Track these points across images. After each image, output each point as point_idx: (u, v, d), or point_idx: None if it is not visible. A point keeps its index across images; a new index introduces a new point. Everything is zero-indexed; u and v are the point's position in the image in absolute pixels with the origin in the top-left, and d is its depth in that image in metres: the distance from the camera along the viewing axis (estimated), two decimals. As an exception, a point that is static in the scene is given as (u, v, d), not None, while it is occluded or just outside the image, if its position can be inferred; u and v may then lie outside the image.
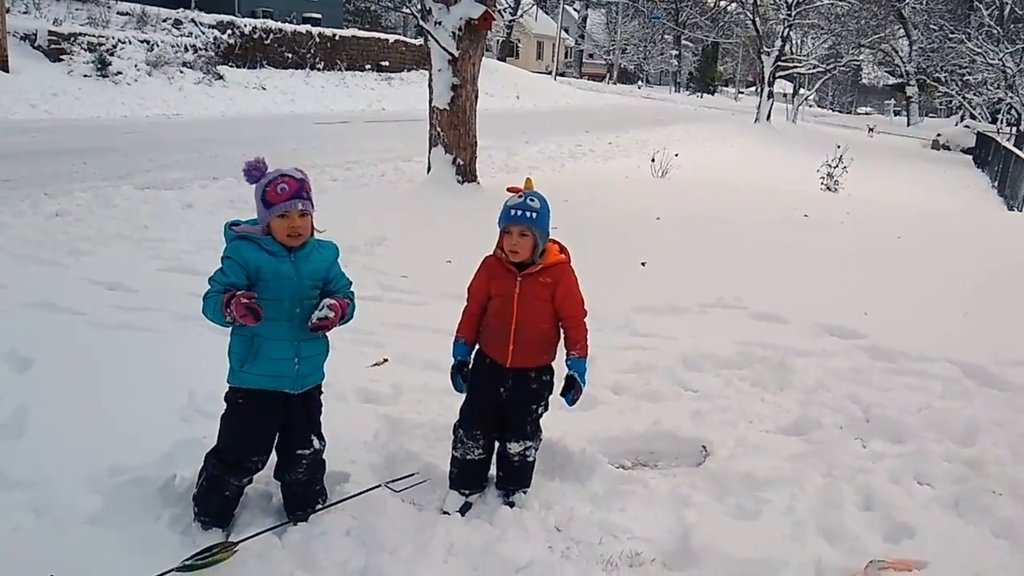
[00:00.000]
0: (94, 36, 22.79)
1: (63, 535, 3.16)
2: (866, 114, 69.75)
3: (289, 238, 3.10)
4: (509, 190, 3.45)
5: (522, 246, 3.38)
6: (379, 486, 3.57)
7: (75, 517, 3.26)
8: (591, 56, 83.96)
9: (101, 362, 4.77)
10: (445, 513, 3.51)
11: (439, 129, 11.10)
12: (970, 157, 34.04)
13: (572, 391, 3.48)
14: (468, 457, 3.59)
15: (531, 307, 3.41)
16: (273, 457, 3.36)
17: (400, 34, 40.62)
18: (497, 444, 3.64)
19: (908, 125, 53.77)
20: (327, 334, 3.27)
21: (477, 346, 3.59)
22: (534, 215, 3.36)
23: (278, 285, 3.08)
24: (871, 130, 42.90)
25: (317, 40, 31.22)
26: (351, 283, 3.36)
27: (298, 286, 3.12)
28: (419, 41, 32.36)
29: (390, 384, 4.72)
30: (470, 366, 3.58)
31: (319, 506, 3.43)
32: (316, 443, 3.36)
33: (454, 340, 3.58)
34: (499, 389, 3.51)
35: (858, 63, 50.75)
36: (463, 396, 3.64)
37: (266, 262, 3.08)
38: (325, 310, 3.08)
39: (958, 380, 5.25)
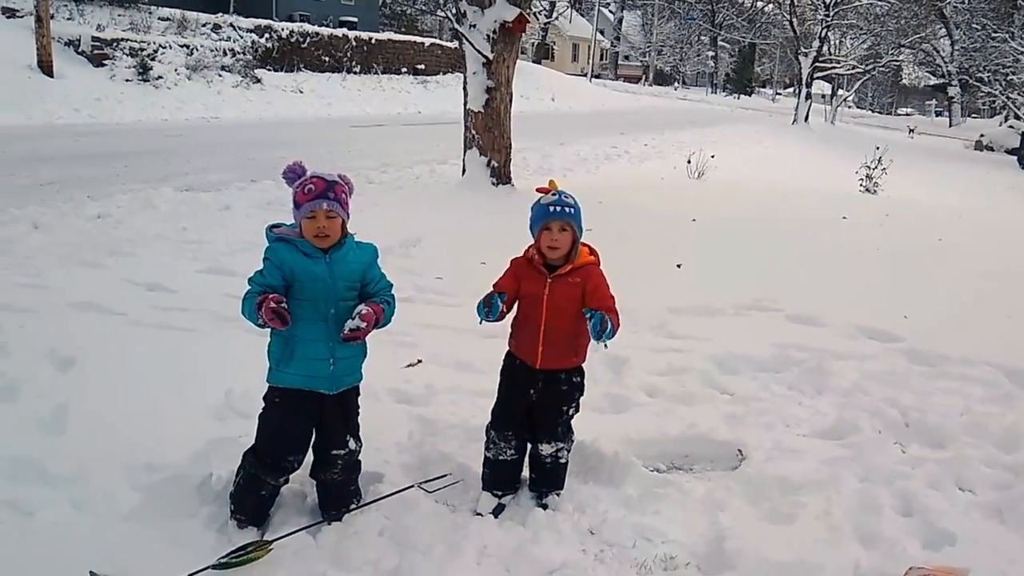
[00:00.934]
0: (135, 41, 23.17)
1: (101, 530, 3.21)
2: (907, 115, 68.73)
3: (316, 239, 3.12)
4: (539, 191, 3.44)
5: (563, 241, 3.37)
6: (412, 487, 3.59)
7: (113, 513, 3.32)
8: (627, 58, 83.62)
9: (140, 361, 4.85)
10: (478, 514, 3.51)
11: (474, 132, 11.13)
12: (1014, 158, 33.35)
13: (596, 317, 3.25)
14: (500, 458, 3.59)
15: (561, 308, 3.39)
16: (309, 456, 3.38)
17: (436, 37, 40.77)
18: (529, 446, 3.63)
19: (950, 126, 52.88)
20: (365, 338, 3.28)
21: (507, 348, 3.58)
22: (572, 210, 3.36)
23: (312, 287, 3.10)
24: (912, 131, 42.28)
25: (353, 44, 31.45)
26: (391, 285, 3.35)
27: (332, 288, 3.13)
28: (454, 44, 32.47)
29: (423, 385, 4.74)
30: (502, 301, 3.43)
31: (353, 506, 3.44)
32: (352, 444, 3.38)
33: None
34: (529, 391, 3.50)
35: (898, 63, 50.02)
36: (494, 397, 3.64)
37: (300, 263, 3.10)
38: (357, 320, 3.09)
39: (1000, 384, 5.15)
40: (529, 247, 3.50)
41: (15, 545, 3.10)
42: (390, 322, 3.30)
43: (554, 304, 3.39)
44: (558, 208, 3.33)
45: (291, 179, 3.18)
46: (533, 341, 3.42)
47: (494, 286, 3.47)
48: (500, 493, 3.63)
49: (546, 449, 3.57)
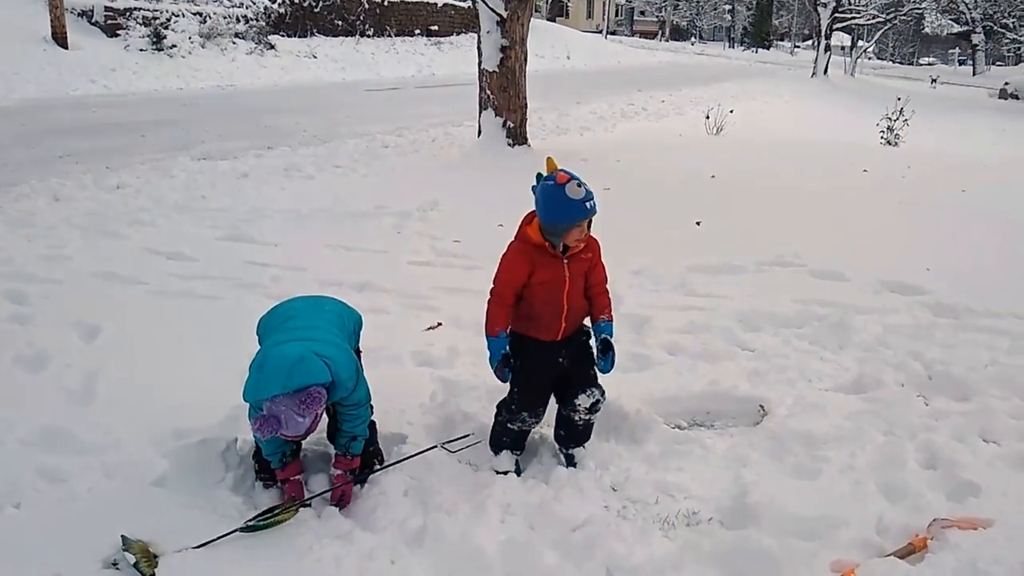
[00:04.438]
0: (148, 10, 23.06)
1: (131, 496, 3.27)
2: (929, 65, 67.46)
3: None
4: (560, 180, 3.27)
5: (587, 235, 3.35)
6: (435, 447, 3.62)
7: (142, 478, 3.38)
8: (642, 13, 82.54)
9: (164, 329, 4.90)
10: (502, 473, 3.54)
11: (489, 92, 11.05)
12: (1040, 106, 32.80)
13: (610, 353, 3.44)
14: (524, 428, 3.60)
15: (577, 285, 3.41)
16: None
17: (449, -3, 40.32)
18: (560, 406, 3.62)
19: (974, 75, 51.87)
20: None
21: (515, 333, 3.48)
22: (595, 201, 3.28)
23: None
24: (934, 81, 41.48)
25: (366, 6, 31.15)
26: (364, 400, 3.33)
27: None
28: (467, 3, 32.10)
29: (445, 347, 4.76)
30: (510, 355, 3.45)
31: (377, 467, 3.48)
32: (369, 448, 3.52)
33: (491, 337, 3.41)
34: (558, 360, 3.50)
35: (920, 11, 48.90)
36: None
37: None
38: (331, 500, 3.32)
39: (1027, 335, 5.10)
40: (526, 226, 3.40)
41: (49, 511, 3.16)
42: (366, 436, 3.41)
43: (573, 284, 3.39)
44: (590, 204, 3.25)
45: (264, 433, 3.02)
46: (556, 321, 3.42)
47: (500, 281, 3.41)
48: (518, 452, 3.66)
49: (585, 401, 3.54)
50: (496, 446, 3.67)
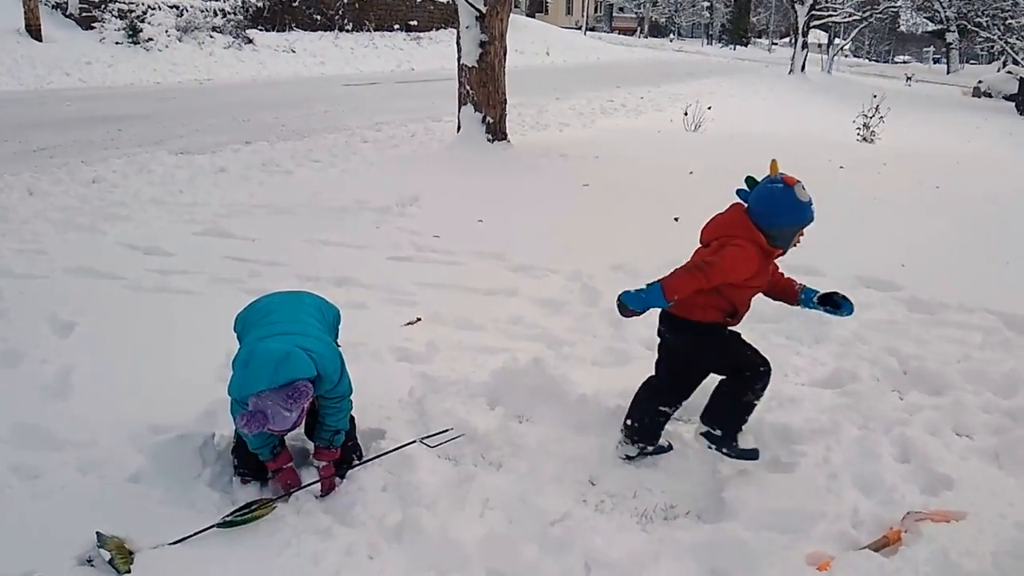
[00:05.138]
0: (124, 3, 22.84)
1: (107, 492, 3.25)
2: (904, 63, 67.94)
3: None
4: (788, 182, 3.34)
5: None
6: (414, 442, 3.62)
7: (119, 475, 3.35)
8: (621, 10, 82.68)
9: (140, 324, 4.87)
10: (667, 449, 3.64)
11: (468, 87, 11.03)
12: (1012, 104, 33.09)
13: (836, 296, 3.68)
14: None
15: None
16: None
17: (428, -8, 40.19)
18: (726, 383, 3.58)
19: (948, 73, 52.34)
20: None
21: (711, 322, 3.46)
22: None
23: None
24: (909, 79, 41.80)
25: (345, 1, 31.01)
26: (346, 394, 3.33)
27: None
28: (447, -1, 32.06)
29: (424, 343, 4.75)
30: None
31: (355, 462, 3.48)
32: (348, 442, 3.51)
33: (663, 298, 3.32)
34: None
35: (896, 9, 49.16)
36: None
37: None
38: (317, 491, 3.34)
39: (998, 331, 5.16)
40: (748, 228, 3.41)
41: (23, 508, 3.14)
42: (347, 427, 3.43)
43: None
44: (813, 206, 3.32)
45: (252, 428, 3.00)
46: (739, 319, 3.55)
47: (731, 269, 3.37)
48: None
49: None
50: (653, 435, 3.64)
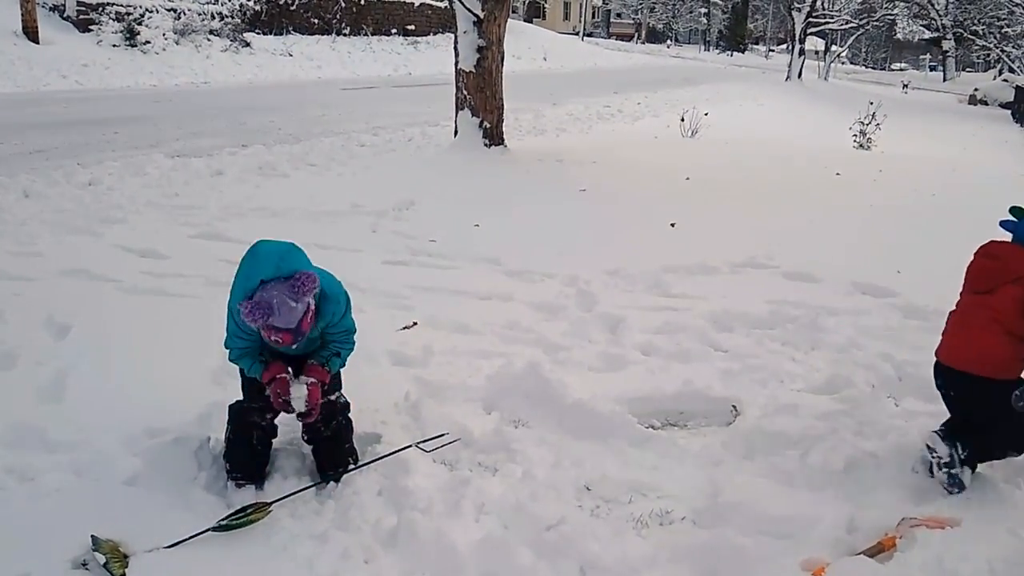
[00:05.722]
0: (122, 5, 22.82)
1: (102, 495, 3.24)
2: (900, 70, 68.12)
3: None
4: None
5: None
6: (410, 446, 3.61)
7: (114, 478, 3.35)
8: (619, 16, 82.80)
9: (136, 327, 4.86)
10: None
11: (465, 92, 11.04)
12: (1008, 112, 33.22)
13: None
14: None
15: None
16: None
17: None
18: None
19: (944, 80, 52.48)
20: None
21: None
22: None
23: (275, 354, 3.24)
24: (905, 86, 41.91)
25: (343, 5, 31.02)
26: (351, 330, 3.37)
27: (299, 352, 3.26)
28: (444, 4, 32.05)
29: (420, 347, 4.75)
30: None
31: (351, 466, 3.47)
32: (332, 394, 3.42)
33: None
34: None
35: (892, 17, 49.38)
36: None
37: (267, 346, 3.20)
38: (301, 404, 3.18)
39: (994, 338, 5.17)
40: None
41: (18, 511, 3.13)
42: (343, 363, 3.40)
43: None
44: None
45: (253, 323, 2.96)
46: None
47: None
48: None
49: None
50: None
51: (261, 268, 2.96)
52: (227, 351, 3.28)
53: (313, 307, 3.04)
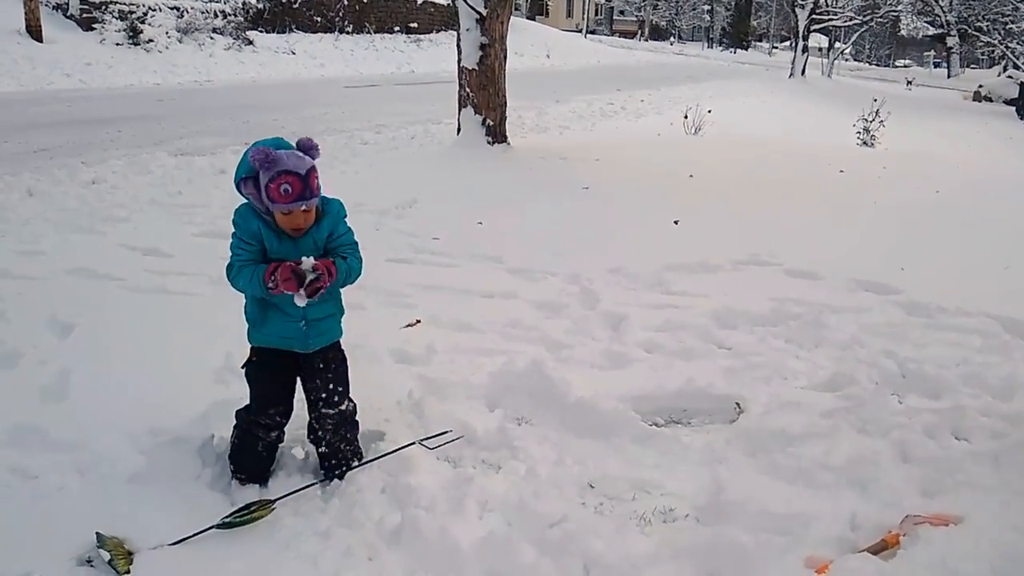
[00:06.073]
0: (125, 4, 22.87)
1: (106, 494, 3.24)
2: (904, 67, 68.04)
3: (293, 232, 3.08)
4: None
5: None
6: (413, 444, 3.61)
7: (117, 476, 3.35)
8: (622, 13, 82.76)
9: (139, 326, 4.87)
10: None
11: (468, 90, 11.03)
12: (1013, 108, 33.15)
13: None
14: None
15: None
16: (306, 418, 3.41)
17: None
18: None
19: (948, 77, 52.40)
20: (341, 294, 3.33)
21: None
22: None
23: (280, 258, 3.06)
24: (910, 83, 41.85)
25: (345, 3, 31.04)
26: (356, 243, 3.32)
27: (300, 256, 3.10)
28: (447, 1, 32.04)
29: (423, 345, 4.75)
30: None
31: (355, 464, 3.47)
32: (343, 403, 3.40)
33: None
34: None
35: (896, 14, 49.25)
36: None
37: (271, 241, 3.08)
38: (310, 272, 2.98)
39: (997, 334, 5.17)
40: None
41: (22, 509, 3.13)
42: (354, 278, 3.26)
43: None
44: None
45: (265, 167, 2.97)
46: None
47: None
48: None
49: None
50: None
51: (259, 144, 3.00)
52: (230, 282, 3.14)
53: (319, 180, 3.04)
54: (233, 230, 3.12)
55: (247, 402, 3.37)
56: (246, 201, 3.11)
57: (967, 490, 3.40)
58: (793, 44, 40.05)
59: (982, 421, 3.99)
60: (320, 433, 3.40)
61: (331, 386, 3.35)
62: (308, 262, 2.99)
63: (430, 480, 3.38)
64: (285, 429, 3.42)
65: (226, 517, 3.10)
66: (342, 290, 3.35)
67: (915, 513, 3.18)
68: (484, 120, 11.04)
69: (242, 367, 3.34)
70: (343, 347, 3.43)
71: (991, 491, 3.41)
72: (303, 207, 3.02)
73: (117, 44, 21.67)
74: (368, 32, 31.80)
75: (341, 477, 3.41)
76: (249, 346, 3.30)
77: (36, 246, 6.36)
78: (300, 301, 3.02)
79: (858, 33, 51.18)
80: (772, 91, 28.53)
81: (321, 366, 3.32)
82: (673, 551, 3.04)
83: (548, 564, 2.95)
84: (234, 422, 3.39)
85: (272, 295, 3.03)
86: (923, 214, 8.25)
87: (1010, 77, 39.11)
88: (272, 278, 2.97)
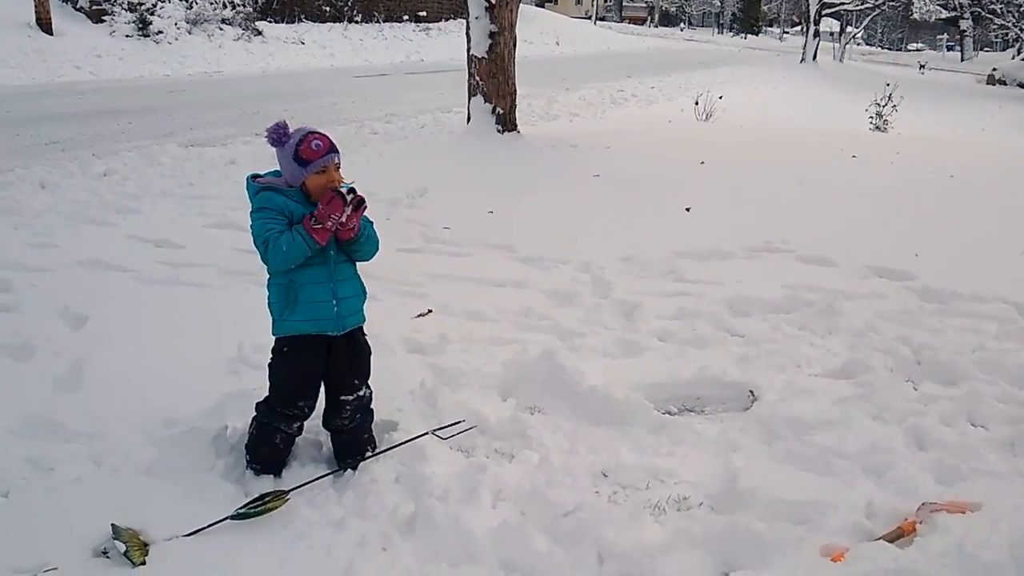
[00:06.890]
0: (134, -5, 22.88)
1: (120, 484, 3.26)
2: (917, 51, 67.42)
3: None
4: None
5: None
6: (427, 434, 3.61)
7: (132, 467, 3.36)
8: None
9: (152, 317, 4.88)
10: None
11: (478, 78, 11.00)
12: (1027, 92, 32.86)
13: None
14: None
15: None
16: (321, 406, 3.41)
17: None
18: None
19: (962, 60, 51.94)
20: (361, 279, 3.38)
21: None
22: None
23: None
24: (922, 67, 41.48)
25: (354, -8, 31.00)
26: (370, 221, 3.39)
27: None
28: (456, -11, 31.96)
29: (436, 334, 4.75)
30: None
31: (368, 454, 3.47)
32: (361, 389, 3.41)
33: None
34: None
35: (909, -4, 48.88)
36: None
37: (297, 211, 3.11)
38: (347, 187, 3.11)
39: (1013, 320, 5.13)
40: None
41: (37, 501, 3.15)
42: (374, 245, 3.39)
43: None
44: None
45: (279, 140, 3.12)
46: None
47: None
48: None
49: None
50: None
51: (256, 175, 3.21)
52: (267, 260, 3.15)
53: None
54: (255, 217, 3.14)
55: (262, 393, 3.37)
56: (260, 189, 3.16)
57: (984, 477, 3.38)
58: (804, 29, 39.77)
59: (998, 408, 3.96)
60: (338, 421, 3.41)
61: (357, 369, 3.38)
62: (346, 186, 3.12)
63: (443, 470, 3.38)
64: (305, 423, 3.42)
65: (240, 508, 3.10)
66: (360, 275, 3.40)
67: (931, 501, 3.16)
68: (494, 108, 11.01)
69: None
70: None
71: (1008, 478, 3.39)
72: (336, 160, 3.15)
73: (127, 36, 21.70)
74: (377, 21, 31.74)
75: (355, 467, 3.41)
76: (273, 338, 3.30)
77: (49, 238, 6.39)
78: (350, 221, 3.11)
79: (870, 17, 50.81)
80: (783, 76, 28.36)
81: (350, 348, 3.34)
82: (687, 540, 3.03)
83: (562, 553, 2.95)
84: (249, 413, 3.39)
85: (315, 244, 3.06)
86: (937, 199, 8.19)
87: (1024, 60, 38.74)
88: (313, 217, 3.03)
